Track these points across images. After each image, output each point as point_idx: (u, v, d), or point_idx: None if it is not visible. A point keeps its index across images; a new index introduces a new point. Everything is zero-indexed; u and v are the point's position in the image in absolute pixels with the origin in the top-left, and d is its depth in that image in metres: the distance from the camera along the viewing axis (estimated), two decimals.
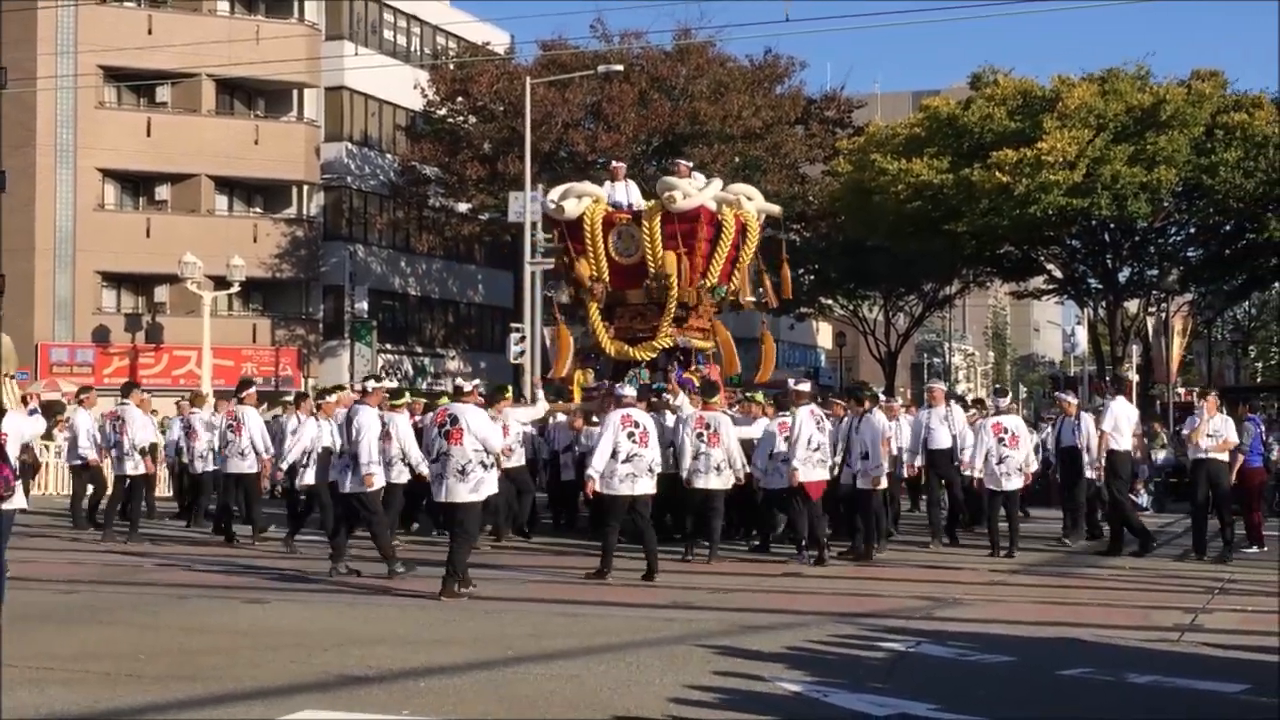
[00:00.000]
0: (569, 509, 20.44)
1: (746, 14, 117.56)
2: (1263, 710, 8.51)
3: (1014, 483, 17.26)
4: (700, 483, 16.24)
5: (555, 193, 21.32)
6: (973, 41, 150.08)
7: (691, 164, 22.57)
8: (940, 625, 11.55)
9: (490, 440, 13.04)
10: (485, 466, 12.92)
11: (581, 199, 20.56)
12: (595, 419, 18.13)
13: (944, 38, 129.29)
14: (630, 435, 14.33)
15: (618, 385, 16.84)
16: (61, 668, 9.36)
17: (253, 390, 19.60)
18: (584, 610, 12.17)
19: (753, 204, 20.95)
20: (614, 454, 14.21)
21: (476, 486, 12.88)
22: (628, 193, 21.07)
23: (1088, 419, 18.70)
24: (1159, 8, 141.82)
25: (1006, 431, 17.26)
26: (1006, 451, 17.15)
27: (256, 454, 18.51)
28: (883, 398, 18.88)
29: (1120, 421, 17.48)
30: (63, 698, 8.42)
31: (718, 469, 16.25)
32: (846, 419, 16.97)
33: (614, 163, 23.10)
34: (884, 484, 16.66)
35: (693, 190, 19.93)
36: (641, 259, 20.02)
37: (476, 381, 15.67)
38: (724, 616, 11.95)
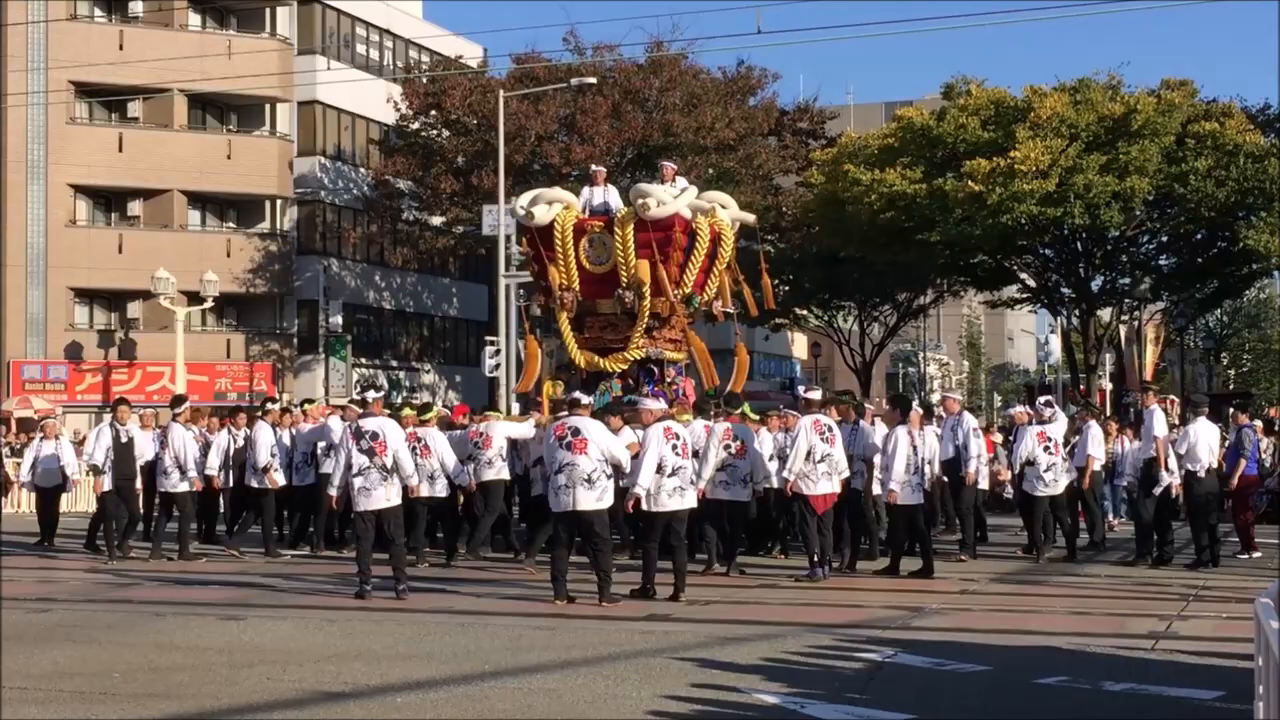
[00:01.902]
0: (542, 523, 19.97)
1: (719, 26, 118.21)
2: (1237, 716, 8.54)
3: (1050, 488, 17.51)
4: (726, 495, 15.82)
5: (525, 198, 20.82)
6: (945, 52, 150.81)
7: (676, 167, 22.08)
8: (917, 635, 11.57)
9: (615, 452, 13.29)
10: (608, 476, 13.21)
11: (552, 205, 20.08)
12: None
13: (916, 49, 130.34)
14: (674, 448, 14.06)
15: (643, 399, 16.30)
16: (36, 687, 9.31)
17: (186, 408, 19.24)
18: (560, 623, 12.15)
19: (727, 212, 20.55)
20: (659, 469, 13.71)
21: (602, 495, 13.15)
22: (606, 197, 20.50)
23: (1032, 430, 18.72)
24: (1129, 19, 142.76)
25: (1050, 440, 17.53)
26: (1048, 458, 17.46)
27: (182, 472, 18.37)
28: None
29: (1160, 429, 17.19)
30: (37, 717, 8.38)
31: (743, 482, 15.92)
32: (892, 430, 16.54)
33: (594, 167, 22.52)
34: (896, 498, 16.10)
35: (667, 197, 19.46)
36: (614, 267, 19.51)
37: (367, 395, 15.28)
38: (700, 629, 11.94)
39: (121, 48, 44.31)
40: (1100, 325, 45.29)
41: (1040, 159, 36.55)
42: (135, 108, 45.92)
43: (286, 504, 19.75)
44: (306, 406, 20.46)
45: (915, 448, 16.25)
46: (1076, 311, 44.45)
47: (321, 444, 19.02)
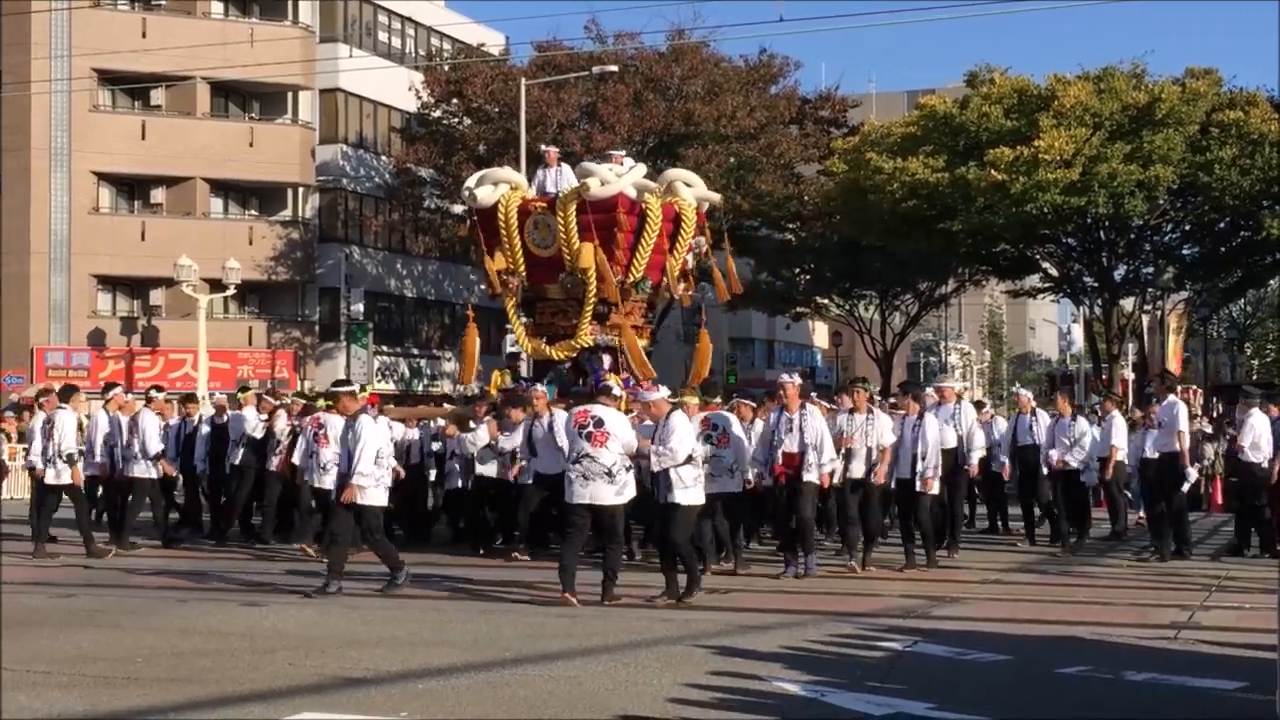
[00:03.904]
0: (466, 516, 18.33)
1: (740, 14, 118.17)
2: (1259, 708, 8.51)
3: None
4: (712, 487, 14.44)
5: (472, 179, 20.12)
6: (968, 40, 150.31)
7: (624, 152, 21.10)
8: (938, 624, 11.56)
9: (632, 445, 12.69)
10: (628, 469, 12.63)
11: (498, 186, 19.26)
12: (472, 424, 17.14)
13: (939, 37, 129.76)
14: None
15: (640, 389, 15.19)
16: (60, 671, 9.37)
17: (116, 392, 18.35)
18: (580, 611, 12.15)
19: (692, 191, 19.61)
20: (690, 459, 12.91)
21: (621, 490, 12.57)
22: (560, 179, 19.58)
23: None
24: (1154, 7, 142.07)
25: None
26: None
27: (70, 461, 17.01)
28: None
29: (1183, 423, 16.88)
30: (62, 700, 8.43)
31: (730, 471, 15.00)
32: (908, 419, 15.76)
33: (545, 148, 21.50)
34: (935, 488, 15.65)
35: (611, 176, 18.60)
36: (558, 251, 18.69)
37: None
38: (721, 617, 11.95)
39: (144, 35, 44.41)
40: (1123, 315, 45.08)
41: (1064, 148, 36.38)
42: (158, 95, 46.00)
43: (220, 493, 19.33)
44: (240, 395, 19.81)
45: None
46: (1099, 301, 44.26)
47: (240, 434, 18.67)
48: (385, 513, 14.24)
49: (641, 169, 19.82)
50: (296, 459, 17.02)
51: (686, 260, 19.78)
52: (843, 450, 15.13)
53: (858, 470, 15.28)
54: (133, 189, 46.49)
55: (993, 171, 36.87)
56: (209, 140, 45.51)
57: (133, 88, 45.32)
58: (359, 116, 50.86)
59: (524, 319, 19.78)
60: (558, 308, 19.20)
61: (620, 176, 18.83)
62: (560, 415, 15.43)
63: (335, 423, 16.09)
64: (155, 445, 17.86)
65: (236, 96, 47.97)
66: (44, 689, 8.74)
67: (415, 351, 52.90)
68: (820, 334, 74.05)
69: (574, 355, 18.94)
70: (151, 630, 11.27)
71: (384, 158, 50.52)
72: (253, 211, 48.27)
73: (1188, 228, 42.64)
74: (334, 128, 49.69)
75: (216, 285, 42.41)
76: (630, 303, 19.20)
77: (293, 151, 47.34)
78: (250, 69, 43.03)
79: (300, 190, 48.33)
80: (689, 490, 12.79)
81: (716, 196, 21.33)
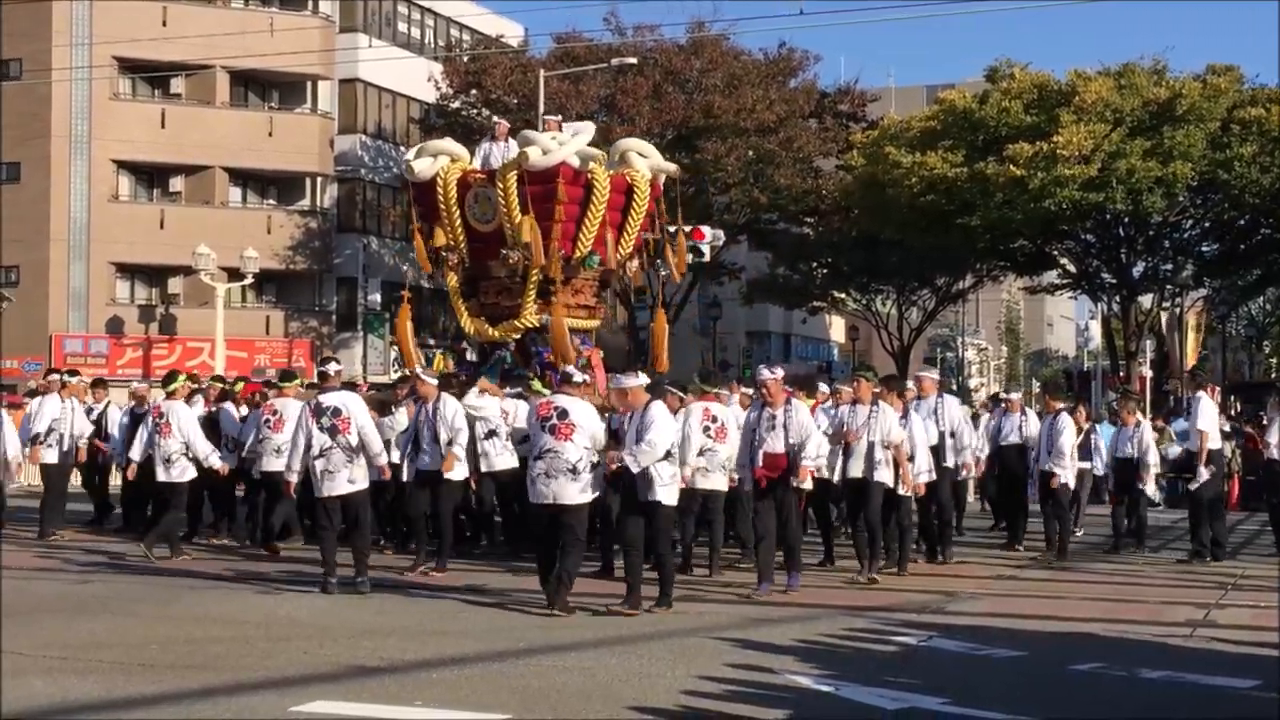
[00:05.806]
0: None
1: (760, 8, 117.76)
2: (1274, 706, 8.49)
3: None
4: (703, 483, 13.92)
5: (410, 151, 19.17)
6: (988, 35, 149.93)
7: (561, 118, 20.09)
8: (952, 620, 11.55)
9: (600, 438, 11.86)
10: (594, 465, 11.73)
11: (437, 158, 18.29)
12: (394, 409, 16.13)
13: (959, 31, 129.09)
14: (707, 430, 13.59)
15: (619, 375, 13.41)
16: (75, 657, 9.40)
17: (56, 379, 17.89)
18: (595, 604, 12.13)
19: (647, 162, 18.52)
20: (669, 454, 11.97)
21: (586, 488, 11.66)
22: (506, 155, 18.26)
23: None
24: (1175, 5, 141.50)
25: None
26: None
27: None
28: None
29: (1203, 421, 16.46)
30: (76, 687, 8.46)
31: (723, 467, 14.07)
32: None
33: (495, 119, 19.93)
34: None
35: (552, 145, 17.60)
36: (500, 226, 17.66)
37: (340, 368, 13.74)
38: (735, 610, 11.95)
39: (165, 24, 44.40)
40: (1141, 312, 45.00)
41: (1083, 144, 36.30)
42: (178, 84, 46.04)
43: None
44: (170, 386, 19.03)
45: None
46: (1117, 298, 44.18)
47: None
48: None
49: (586, 136, 18.67)
50: (135, 453, 16.19)
51: (648, 238, 18.80)
52: (842, 445, 13.92)
53: (856, 469, 13.91)
54: (152, 177, 46.56)
55: (1011, 167, 36.82)
56: (228, 129, 45.58)
57: (153, 76, 45.36)
58: (378, 107, 50.84)
59: (467, 299, 18.70)
60: (502, 286, 18.09)
61: (562, 145, 17.89)
62: (449, 401, 14.69)
63: (178, 409, 15.74)
64: (37, 429, 17.53)
65: (256, 86, 47.99)
66: (59, 675, 8.77)
67: (431, 342, 52.79)
68: (837, 328, 73.90)
69: (517, 336, 18.09)
70: (166, 617, 11.30)
71: (402, 148, 50.42)
72: (271, 201, 48.33)
73: (1207, 224, 42.55)
74: (353, 118, 49.67)
75: (234, 274, 42.48)
76: (579, 280, 18.26)
77: (311, 141, 47.38)
78: (270, 58, 43.00)
79: (319, 180, 48.36)
80: (669, 488, 11.89)
81: (673, 167, 19.76)
